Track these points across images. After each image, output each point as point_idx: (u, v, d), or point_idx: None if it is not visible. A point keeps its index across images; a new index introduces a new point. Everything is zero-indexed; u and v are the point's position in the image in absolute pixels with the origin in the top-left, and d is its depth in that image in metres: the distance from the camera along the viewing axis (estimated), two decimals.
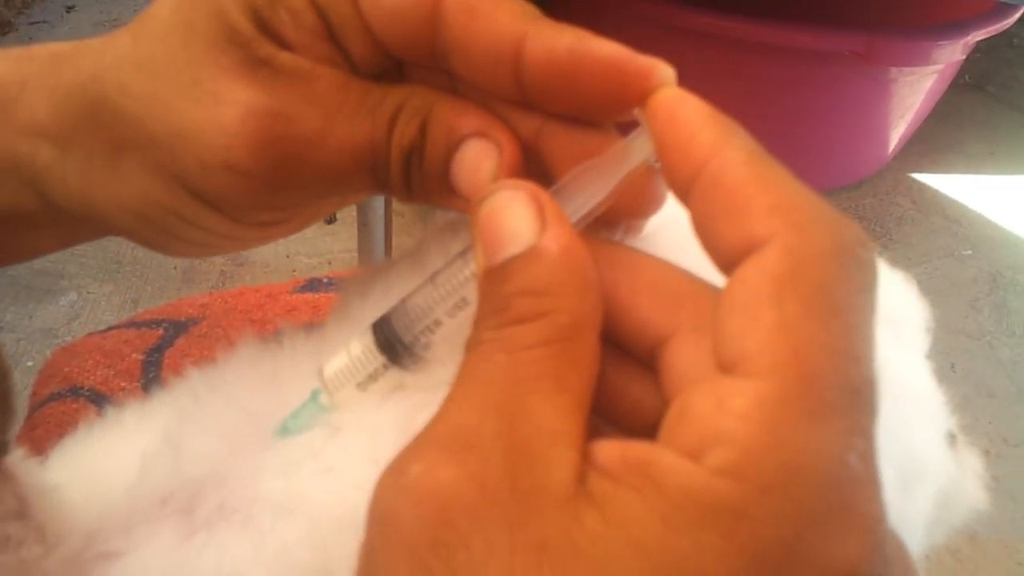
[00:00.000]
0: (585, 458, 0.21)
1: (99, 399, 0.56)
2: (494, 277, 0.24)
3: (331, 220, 1.80)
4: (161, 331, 0.61)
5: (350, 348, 0.30)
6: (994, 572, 1.30)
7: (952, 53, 1.69)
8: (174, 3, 0.30)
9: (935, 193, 2.08)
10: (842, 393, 0.20)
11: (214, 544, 0.30)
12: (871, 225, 1.97)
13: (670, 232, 0.29)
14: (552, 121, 0.29)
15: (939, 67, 1.80)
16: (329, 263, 1.71)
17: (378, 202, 1.19)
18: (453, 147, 0.29)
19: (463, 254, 0.27)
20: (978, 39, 1.70)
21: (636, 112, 0.26)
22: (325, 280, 0.67)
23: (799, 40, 1.62)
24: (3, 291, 1.60)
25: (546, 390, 0.22)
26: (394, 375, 0.30)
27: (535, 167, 0.29)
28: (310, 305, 0.63)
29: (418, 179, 0.30)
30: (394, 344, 0.29)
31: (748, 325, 0.21)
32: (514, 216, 0.24)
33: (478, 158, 0.29)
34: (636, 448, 0.21)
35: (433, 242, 0.34)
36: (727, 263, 0.22)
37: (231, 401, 0.34)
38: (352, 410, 0.31)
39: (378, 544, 0.21)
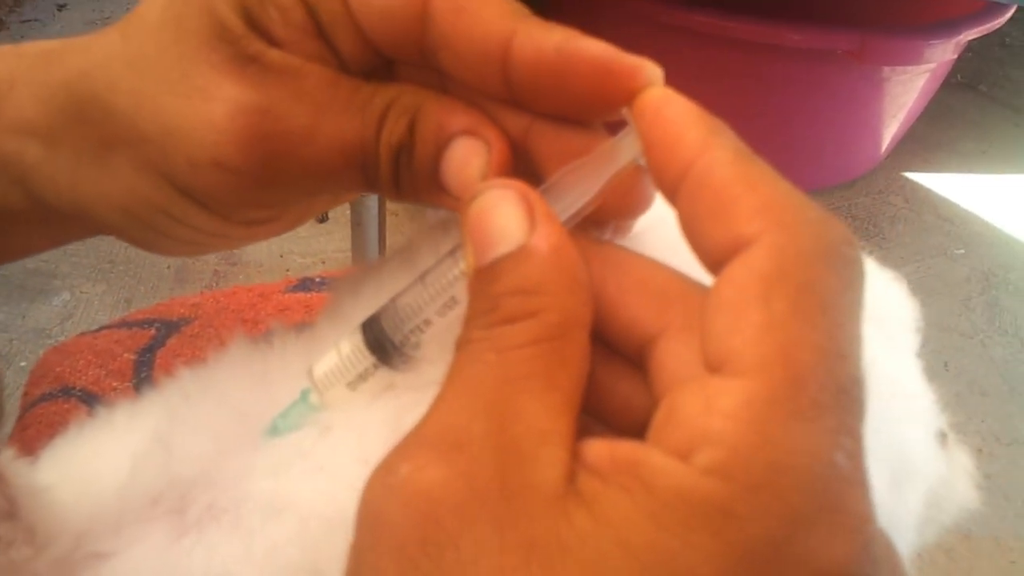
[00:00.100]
0: (575, 457, 0.21)
1: (91, 399, 0.55)
2: (484, 276, 0.24)
3: (323, 219, 1.80)
4: (153, 331, 0.60)
5: (340, 348, 0.30)
6: (987, 571, 1.30)
7: (944, 52, 1.69)
8: (164, 0, 0.30)
9: (928, 192, 2.09)
10: (829, 392, 0.20)
11: (204, 544, 0.30)
12: (864, 224, 1.97)
13: (659, 232, 0.29)
14: (541, 120, 0.29)
15: (931, 66, 1.80)
16: (323, 262, 1.71)
17: (372, 201, 1.19)
18: (442, 145, 0.29)
19: (452, 253, 0.27)
20: (970, 38, 1.71)
21: (624, 112, 0.26)
22: (317, 279, 0.67)
23: (791, 39, 1.62)
24: None
25: (536, 389, 0.22)
26: (384, 375, 0.30)
27: (524, 166, 0.29)
28: (302, 305, 0.63)
29: (407, 177, 0.30)
30: (384, 344, 0.29)
31: (735, 324, 0.21)
32: (503, 215, 0.24)
33: (467, 156, 0.29)
34: (625, 447, 0.21)
35: (424, 241, 0.34)
36: (714, 263, 0.22)
37: (221, 401, 0.34)
38: (342, 410, 0.31)
39: (367, 543, 0.21)
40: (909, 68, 1.76)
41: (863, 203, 2.04)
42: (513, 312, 0.23)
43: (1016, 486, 1.41)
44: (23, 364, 1.45)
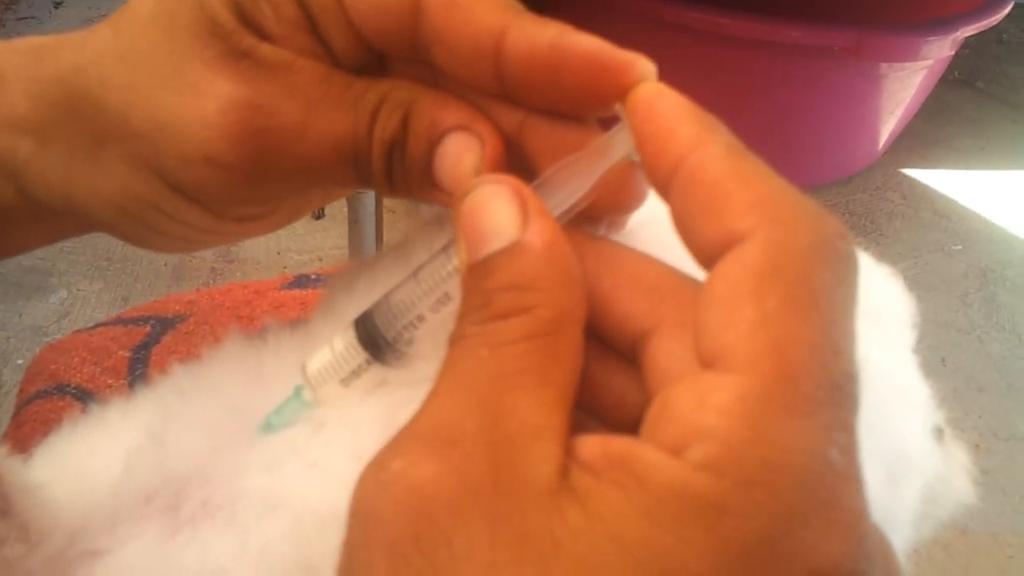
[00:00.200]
0: (568, 453, 0.21)
1: (85, 396, 0.55)
2: (477, 272, 0.24)
3: (319, 216, 1.80)
4: (148, 328, 0.60)
5: (333, 344, 0.30)
6: (985, 566, 1.30)
7: (941, 49, 1.69)
8: None
9: (925, 188, 2.09)
10: (823, 388, 0.19)
11: (198, 541, 0.30)
12: (861, 220, 1.97)
13: (653, 227, 0.29)
14: (534, 115, 0.28)
15: (928, 63, 1.80)
16: (320, 259, 1.71)
17: (369, 198, 1.19)
18: (435, 140, 0.29)
19: (446, 249, 0.27)
20: (967, 35, 1.71)
21: (617, 107, 0.25)
22: (313, 276, 0.67)
23: (789, 36, 1.62)
24: None
25: (529, 385, 0.22)
26: (377, 371, 0.30)
27: (517, 161, 0.29)
28: (298, 301, 0.63)
29: (400, 173, 0.30)
30: (377, 340, 0.29)
31: (728, 320, 0.20)
32: (496, 211, 0.24)
33: (460, 151, 0.28)
34: (618, 443, 0.21)
35: (418, 236, 0.34)
36: (707, 258, 0.22)
37: (216, 397, 0.34)
38: (335, 406, 0.31)
39: (359, 540, 0.21)
40: (906, 65, 1.76)
41: (861, 199, 2.04)
42: (506, 308, 0.23)
43: (1013, 482, 1.41)
44: (20, 362, 1.45)
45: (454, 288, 0.27)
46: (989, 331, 1.71)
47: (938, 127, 2.25)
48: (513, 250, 0.23)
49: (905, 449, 0.35)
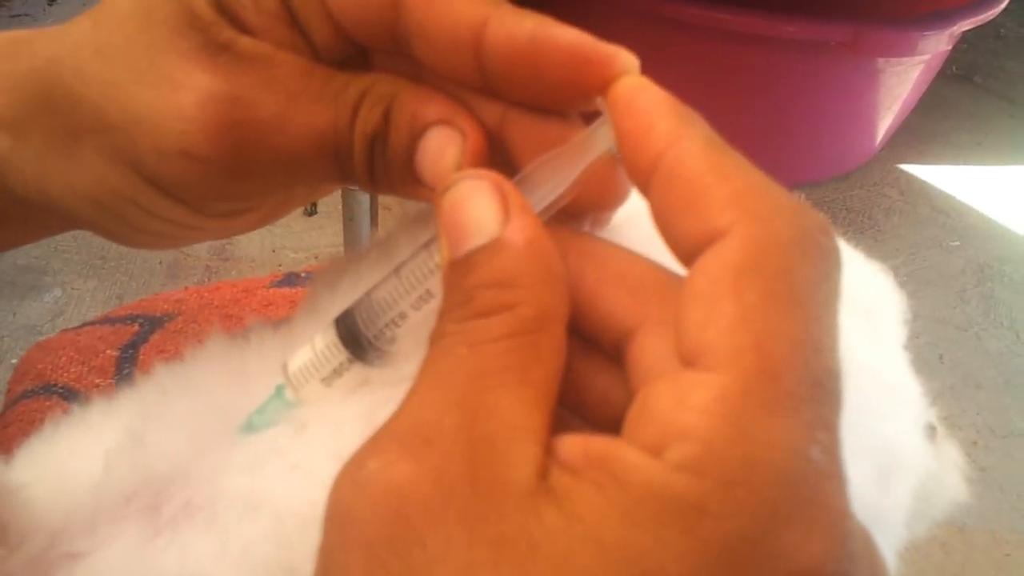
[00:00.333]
0: (548, 453, 0.21)
1: (72, 396, 0.55)
2: (458, 269, 0.24)
3: (312, 212, 1.79)
4: (136, 327, 0.60)
5: (314, 343, 0.30)
6: (982, 564, 1.30)
7: (938, 43, 1.69)
8: None
9: (923, 184, 2.09)
10: (805, 385, 0.19)
11: (178, 543, 0.30)
12: (859, 216, 1.97)
13: (637, 224, 0.29)
14: (516, 109, 0.28)
15: (926, 57, 1.80)
16: (315, 257, 1.71)
17: (364, 195, 1.19)
18: (417, 135, 0.29)
19: (428, 245, 0.27)
20: (964, 29, 1.71)
21: (598, 101, 0.25)
22: (303, 274, 0.67)
23: (785, 31, 1.62)
24: None
25: (509, 384, 0.22)
26: (359, 370, 0.29)
27: (498, 156, 0.29)
28: (287, 300, 0.63)
29: (382, 167, 0.30)
30: (358, 338, 0.28)
31: (708, 317, 0.20)
32: (477, 207, 0.24)
33: (442, 146, 0.28)
34: (598, 443, 0.21)
35: (402, 233, 0.34)
36: (687, 255, 0.22)
37: (197, 397, 0.33)
38: (317, 406, 0.30)
39: (335, 541, 0.21)
40: (903, 59, 1.76)
41: (858, 195, 2.04)
42: (487, 305, 0.23)
43: (1011, 479, 1.41)
44: (14, 361, 1.45)
45: (436, 285, 0.27)
46: (987, 327, 1.71)
47: (935, 122, 2.25)
48: (494, 246, 0.23)
49: (895, 447, 0.35)
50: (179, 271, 1.66)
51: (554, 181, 0.26)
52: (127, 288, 1.61)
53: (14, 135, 0.30)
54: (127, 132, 0.29)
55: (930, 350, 1.62)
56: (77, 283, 1.61)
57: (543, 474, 0.20)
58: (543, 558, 0.19)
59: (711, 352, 0.20)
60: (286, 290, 0.64)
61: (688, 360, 0.20)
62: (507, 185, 0.24)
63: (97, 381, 0.56)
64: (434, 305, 0.27)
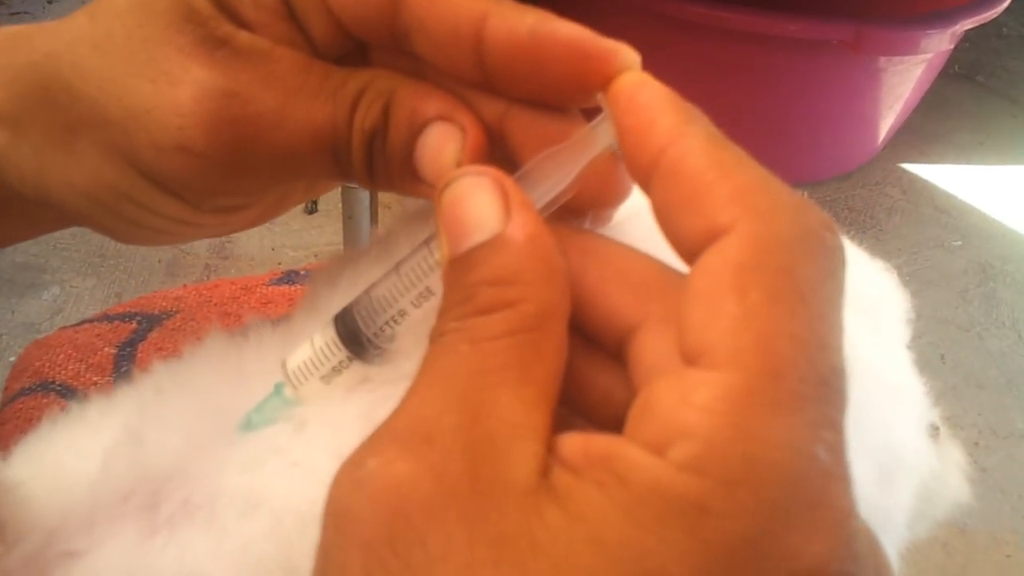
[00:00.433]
0: (550, 452, 0.21)
1: (70, 394, 0.55)
2: (458, 266, 0.24)
3: (312, 210, 1.79)
4: (134, 324, 0.60)
5: (313, 341, 0.29)
6: (983, 565, 1.30)
7: (940, 42, 1.69)
8: None
9: (925, 183, 2.08)
10: (810, 383, 0.19)
11: (176, 542, 0.30)
12: (861, 216, 1.97)
13: (639, 221, 0.29)
14: (516, 106, 0.28)
15: (927, 56, 1.80)
16: (315, 256, 1.70)
17: (364, 194, 1.18)
18: (416, 131, 0.28)
19: (428, 242, 0.27)
20: (966, 28, 1.70)
21: (599, 97, 0.25)
22: (302, 272, 0.66)
23: (787, 29, 1.62)
24: None
25: (510, 382, 0.22)
26: (359, 368, 0.29)
27: (499, 152, 0.29)
28: (286, 298, 0.63)
29: (381, 164, 0.29)
30: (358, 336, 0.28)
31: (711, 315, 0.20)
32: (478, 203, 0.24)
33: (441, 142, 0.28)
34: (600, 441, 0.20)
35: (402, 231, 0.34)
36: (689, 252, 0.22)
37: (195, 395, 0.33)
38: (317, 404, 0.30)
39: (333, 540, 0.21)
40: (905, 58, 1.75)
41: (860, 195, 2.03)
42: (488, 302, 0.23)
43: (1012, 480, 1.41)
44: (12, 359, 1.44)
45: (436, 282, 0.27)
46: (989, 328, 1.71)
47: (937, 122, 2.25)
48: (495, 243, 0.23)
49: (897, 447, 0.35)
50: (178, 269, 1.65)
51: (555, 178, 0.26)
52: (126, 286, 1.61)
53: (12, 130, 0.30)
54: (124, 127, 0.29)
55: (932, 350, 1.62)
56: (76, 281, 1.61)
57: (544, 473, 0.20)
58: (544, 557, 0.19)
59: (714, 350, 0.20)
60: (285, 288, 0.64)
61: (691, 358, 0.20)
62: (508, 181, 0.24)
63: (95, 379, 0.56)
64: (434, 302, 0.27)
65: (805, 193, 0.22)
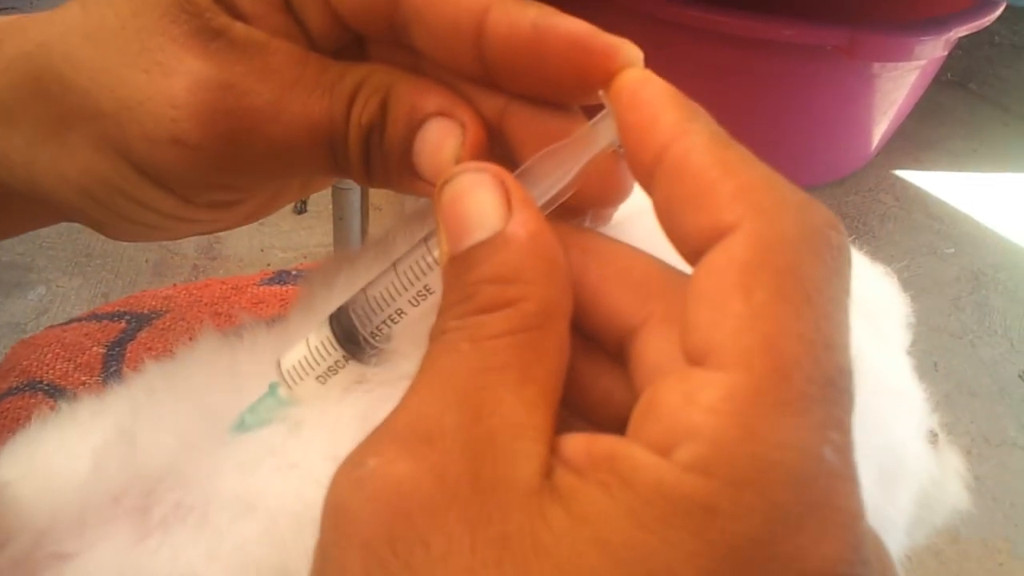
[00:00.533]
0: (552, 452, 0.21)
1: (57, 393, 0.54)
2: (459, 264, 0.23)
3: (301, 210, 1.78)
4: (123, 324, 0.59)
5: (309, 340, 0.29)
6: (975, 572, 1.30)
7: (934, 49, 1.70)
8: None
9: (918, 190, 2.09)
10: (817, 384, 0.19)
11: (169, 544, 0.29)
12: (854, 222, 1.97)
13: (641, 220, 0.28)
14: (517, 102, 0.28)
15: (921, 63, 1.80)
16: (304, 256, 1.70)
17: (354, 194, 1.18)
18: (415, 126, 0.28)
19: (426, 240, 0.26)
20: (960, 35, 1.71)
21: (601, 94, 0.25)
22: (293, 272, 0.66)
23: (781, 34, 1.62)
24: None
25: (512, 381, 0.21)
26: (355, 368, 0.29)
27: (499, 149, 0.28)
28: (277, 298, 0.62)
29: (378, 160, 0.29)
30: (354, 336, 0.28)
31: (716, 315, 0.20)
32: (479, 200, 0.24)
33: (441, 138, 0.28)
34: (603, 442, 0.20)
35: (400, 231, 0.34)
36: (693, 252, 0.22)
37: (188, 396, 0.33)
38: (312, 405, 0.30)
39: (333, 540, 0.21)
40: (899, 64, 1.76)
41: (853, 201, 2.04)
42: (489, 301, 0.22)
43: (1004, 488, 1.41)
44: None
45: (435, 281, 0.26)
46: (981, 335, 1.71)
47: (931, 128, 2.25)
48: (496, 241, 0.23)
49: (899, 452, 0.35)
50: (166, 269, 1.64)
51: (556, 175, 0.25)
52: (113, 286, 1.60)
53: (3, 121, 0.30)
54: (117, 118, 0.28)
55: (925, 358, 1.60)
56: (62, 281, 1.60)
57: (547, 473, 0.20)
58: (548, 559, 0.19)
59: (720, 351, 0.19)
60: (276, 288, 0.63)
61: (695, 359, 0.20)
62: (509, 178, 0.24)
63: (83, 378, 0.55)
64: (432, 301, 0.26)
65: None
